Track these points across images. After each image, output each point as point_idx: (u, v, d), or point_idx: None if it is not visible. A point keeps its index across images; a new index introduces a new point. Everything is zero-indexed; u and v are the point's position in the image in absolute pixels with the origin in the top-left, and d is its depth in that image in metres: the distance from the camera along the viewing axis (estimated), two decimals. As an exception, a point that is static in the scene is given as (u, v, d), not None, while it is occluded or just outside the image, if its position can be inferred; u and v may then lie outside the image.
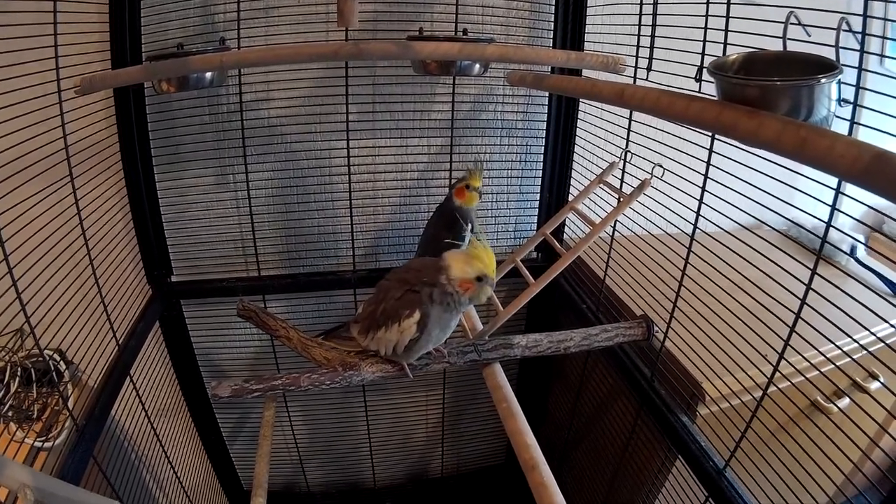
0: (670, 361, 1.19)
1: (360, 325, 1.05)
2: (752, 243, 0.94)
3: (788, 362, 0.90)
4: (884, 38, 0.89)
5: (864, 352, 0.82)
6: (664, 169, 1.06)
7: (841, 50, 0.67)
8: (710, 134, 0.97)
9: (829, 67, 0.63)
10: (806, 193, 0.85)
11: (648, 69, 1.13)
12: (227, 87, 1.44)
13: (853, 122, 0.75)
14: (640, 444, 1.33)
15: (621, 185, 1.21)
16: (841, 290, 0.82)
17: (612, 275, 1.36)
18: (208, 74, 1.19)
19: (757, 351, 0.96)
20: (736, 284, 1.00)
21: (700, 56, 0.97)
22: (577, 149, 1.62)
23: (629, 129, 1.22)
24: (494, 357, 1.10)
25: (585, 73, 1.39)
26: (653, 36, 1.12)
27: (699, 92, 0.80)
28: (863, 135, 0.72)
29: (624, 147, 1.22)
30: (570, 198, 1.62)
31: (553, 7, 1.50)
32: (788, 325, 0.88)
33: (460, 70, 1.23)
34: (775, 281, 0.92)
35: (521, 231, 1.80)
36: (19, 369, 1.21)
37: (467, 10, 1.46)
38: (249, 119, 1.48)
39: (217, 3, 1.38)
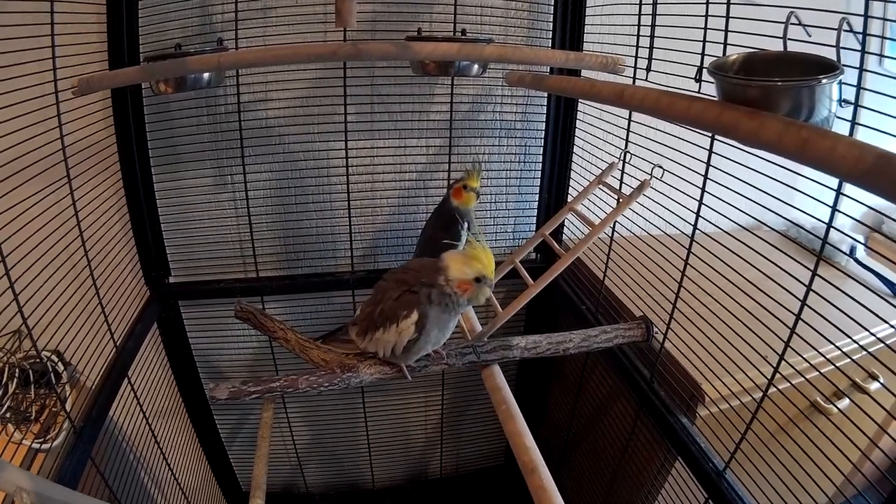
0: (670, 363, 1.19)
1: (358, 326, 1.05)
2: (751, 244, 0.94)
3: (788, 363, 0.90)
4: (883, 37, 0.89)
5: (864, 353, 0.82)
6: (663, 170, 1.05)
7: (841, 50, 0.66)
8: (709, 134, 0.97)
9: (829, 68, 0.63)
10: (805, 194, 0.85)
11: (648, 70, 1.12)
12: (225, 87, 1.44)
13: (854, 122, 0.75)
14: (640, 446, 1.33)
15: (620, 186, 1.21)
16: (841, 290, 0.81)
17: (611, 276, 1.36)
18: (206, 75, 1.19)
19: (757, 352, 0.95)
20: (735, 285, 1.00)
21: (700, 56, 0.97)
22: (576, 149, 1.62)
23: (628, 130, 1.22)
24: (493, 358, 1.09)
25: (584, 73, 1.39)
26: (652, 36, 1.12)
27: (699, 92, 0.80)
28: (862, 135, 0.72)
29: (623, 148, 1.22)
30: (570, 198, 1.62)
31: (552, 7, 1.50)
32: (788, 326, 0.88)
33: (459, 70, 1.23)
34: (775, 282, 0.92)
35: (520, 232, 1.80)
36: (17, 370, 1.20)
37: (466, 10, 1.46)
38: (247, 120, 1.47)
39: (215, 3, 1.37)
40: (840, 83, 0.64)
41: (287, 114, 1.51)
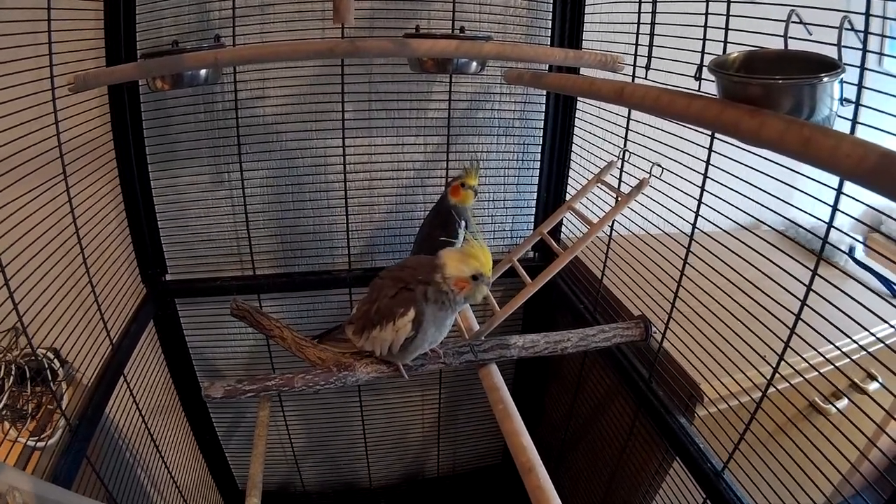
0: (668, 362, 1.18)
1: (354, 325, 1.04)
2: (750, 243, 0.94)
3: (787, 363, 0.89)
4: (883, 36, 0.88)
5: (863, 352, 0.82)
6: (663, 168, 1.05)
7: (842, 49, 0.66)
8: (709, 133, 0.96)
9: (830, 66, 0.62)
10: (806, 193, 0.84)
11: (647, 68, 1.12)
12: (223, 84, 1.44)
13: (855, 121, 0.75)
14: (638, 446, 1.33)
15: (619, 185, 1.20)
16: (841, 290, 0.81)
17: (609, 275, 1.36)
18: (203, 72, 1.18)
19: (756, 352, 0.95)
20: (734, 285, 0.99)
21: (700, 55, 0.96)
22: (574, 148, 1.61)
23: (627, 128, 1.22)
24: (491, 358, 1.09)
25: (583, 71, 1.39)
26: (652, 34, 1.12)
27: (698, 91, 0.79)
28: (861, 134, 0.71)
29: (622, 146, 1.21)
30: (568, 197, 1.61)
31: (551, 5, 1.49)
32: (787, 326, 0.87)
33: (457, 68, 1.22)
34: (774, 281, 0.91)
35: (518, 230, 1.79)
36: (14, 368, 1.20)
37: (464, 7, 1.45)
38: (244, 117, 1.47)
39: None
40: (841, 82, 0.63)
41: (284, 111, 1.51)
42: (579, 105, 1.57)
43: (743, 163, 0.92)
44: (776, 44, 0.71)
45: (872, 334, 0.82)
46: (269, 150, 1.54)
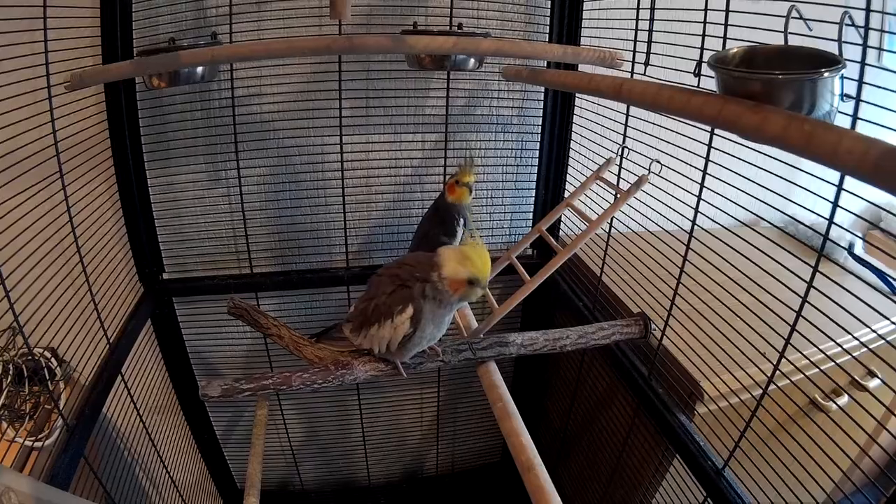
0: (668, 360, 1.18)
1: (352, 323, 1.04)
2: (750, 240, 0.94)
3: (788, 360, 0.89)
4: (882, 31, 0.88)
5: (864, 349, 0.82)
6: (662, 165, 1.05)
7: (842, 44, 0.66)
8: (708, 129, 0.96)
9: (830, 62, 0.62)
10: (808, 190, 0.84)
11: (646, 64, 1.12)
12: (219, 82, 1.43)
13: (856, 117, 0.74)
14: (638, 444, 1.32)
15: (618, 182, 1.20)
16: (841, 286, 0.81)
17: (608, 272, 1.35)
18: (199, 69, 1.18)
19: (756, 349, 0.95)
20: (734, 281, 0.99)
21: (699, 51, 0.96)
22: (573, 144, 1.61)
23: (626, 125, 1.21)
24: (490, 355, 1.08)
25: (581, 67, 1.38)
26: (650, 31, 1.11)
27: (697, 87, 0.79)
28: (860, 129, 0.71)
29: (621, 143, 1.21)
30: (567, 194, 1.61)
31: (549, 1, 1.49)
32: (787, 323, 0.87)
33: (455, 65, 1.22)
34: (774, 278, 0.91)
35: (517, 227, 1.79)
36: (11, 367, 1.19)
37: (462, 4, 1.44)
38: (241, 115, 1.46)
39: (209, -3, 1.36)
40: (842, 77, 0.63)
41: (281, 108, 1.50)
42: (577, 101, 1.57)
43: (742, 159, 0.91)
44: (776, 40, 0.71)
45: (874, 331, 0.81)
46: (267, 148, 1.54)
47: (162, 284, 1.59)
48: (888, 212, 0.81)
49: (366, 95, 1.53)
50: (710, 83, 0.75)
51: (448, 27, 1.42)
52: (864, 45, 0.74)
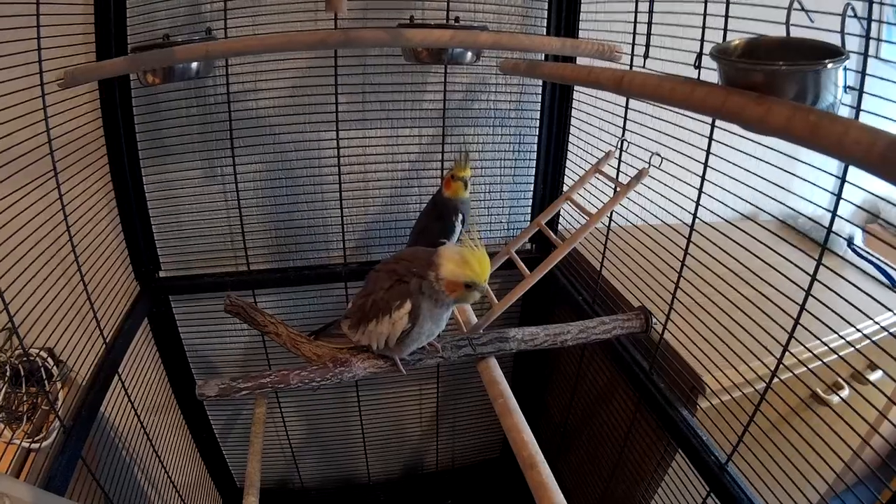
0: (669, 354, 1.18)
1: (350, 319, 1.03)
2: (751, 233, 0.93)
3: (791, 353, 0.89)
4: (881, 22, 0.88)
5: (866, 341, 0.81)
6: (662, 158, 1.04)
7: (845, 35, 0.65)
8: (709, 121, 0.95)
9: (833, 53, 0.61)
10: (811, 182, 0.84)
11: (645, 56, 1.11)
12: (214, 78, 1.42)
13: (859, 108, 0.74)
14: (639, 439, 1.32)
15: (618, 175, 1.19)
16: (844, 278, 0.80)
17: (608, 266, 1.35)
18: (194, 65, 1.17)
19: (759, 342, 0.94)
20: (736, 274, 0.99)
21: (699, 42, 0.95)
22: (571, 138, 1.60)
23: (625, 118, 1.21)
24: (489, 351, 1.08)
25: (579, 61, 1.38)
26: (650, 23, 1.10)
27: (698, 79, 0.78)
28: (861, 120, 0.70)
29: (620, 136, 1.20)
30: (566, 188, 1.60)
31: (547, -7, 1.48)
32: (791, 317, 0.87)
33: (452, 58, 1.21)
34: (777, 270, 0.90)
35: (516, 222, 1.78)
36: (7, 368, 1.19)
37: (459, -3, 1.43)
38: (237, 111, 1.45)
39: (203, -9, 1.35)
40: (845, 69, 0.62)
41: (277, 104, 1.49)
42: (576, 94, 1.56)
43: (744, 151, 0.91)
44: (777, 31, 0.70)
45: (877, 323, 0.81)
46: (263, 144, 1.53)
47: (158, 283, 1.58)
48: (890, 202, 0.81)
49: (362, 90, 1.52)
50: (710, 76, 0.74)
51: (445, 20, 1.41)
52: (867, 37, 0.74)
